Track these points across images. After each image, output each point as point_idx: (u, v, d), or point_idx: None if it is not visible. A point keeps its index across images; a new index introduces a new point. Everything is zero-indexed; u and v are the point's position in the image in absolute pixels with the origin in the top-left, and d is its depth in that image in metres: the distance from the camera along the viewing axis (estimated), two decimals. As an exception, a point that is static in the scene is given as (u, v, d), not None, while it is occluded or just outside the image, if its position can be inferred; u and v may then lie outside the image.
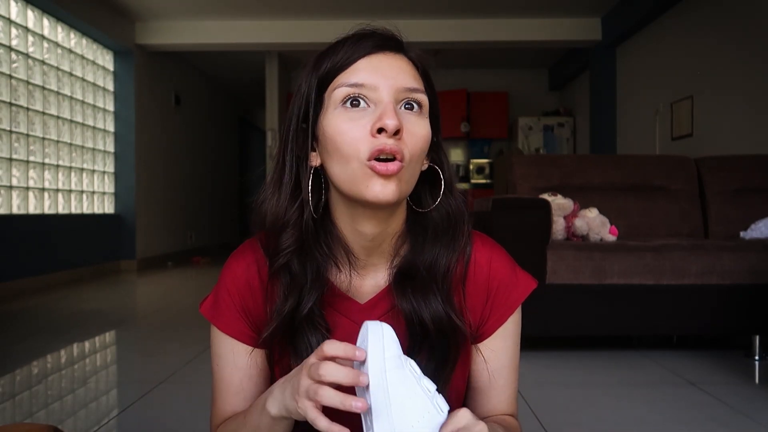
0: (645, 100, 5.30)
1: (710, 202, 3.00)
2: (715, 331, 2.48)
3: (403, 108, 0.69)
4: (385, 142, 0.66)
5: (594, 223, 2.58)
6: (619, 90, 5.91)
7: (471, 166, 7.57)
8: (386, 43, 0.71)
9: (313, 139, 0.72)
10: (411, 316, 0.74)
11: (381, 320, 0.76)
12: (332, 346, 0.61)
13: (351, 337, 0.75)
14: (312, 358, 0.63)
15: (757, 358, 2.40)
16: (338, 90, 0.69)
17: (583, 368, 2.32)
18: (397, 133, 0.66)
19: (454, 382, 0.77)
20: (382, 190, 0.66)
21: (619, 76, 5.91)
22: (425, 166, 0.75)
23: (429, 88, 0.74)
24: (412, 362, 0.63)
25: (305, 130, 0.73)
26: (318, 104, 0.71)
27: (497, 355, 0.80)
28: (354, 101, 0.68)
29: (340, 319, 0.76)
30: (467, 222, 0.78)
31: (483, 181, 7.47)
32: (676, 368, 2.28)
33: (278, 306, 0.74)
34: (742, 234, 2.78)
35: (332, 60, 0.70)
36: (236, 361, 0.78)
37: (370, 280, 0.78)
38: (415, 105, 0.70)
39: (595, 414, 1.80)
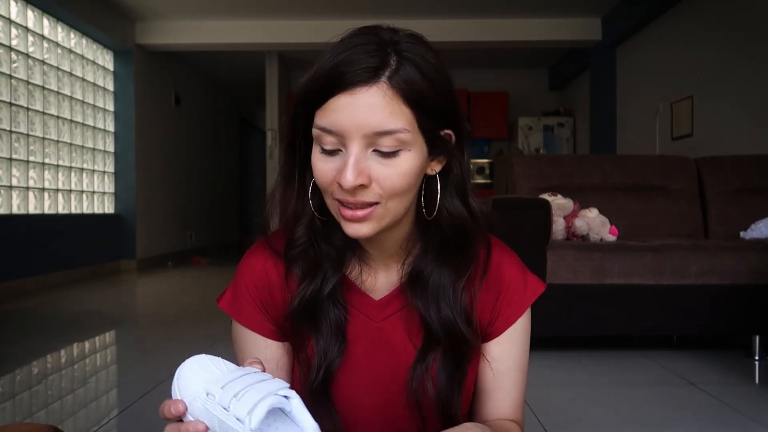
0: (645, 100, 5.30)
1: (710, 202, 3.00)
2: (715, 331, 2.48)
3: (378, 151, 0.65)
4: (346, 197, 0.66)
5: (594, 223, 2.58)
6: (619, 90, 5.91)
7: (471, 166, 7.56)
8: (363, 76, 0.64)
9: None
10: (425, 317, 0.75)
11: (394, 318, 0.77)
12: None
13: (362, 331, 0.77)
14: None
15: (757, 358, 2.40)
16: (315, 130, 0.67)
17: (583, 368, 2.32)
18: (363, 185, 0.65)
19: (465, 383, 0.78)
20: (355, 232, 0.68)
21: (619, 76, 5.91)
22: (434, 173, 0.73)
23: (422, 109, 0.66)
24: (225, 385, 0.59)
25: (302, 140, 0.73)
26: (308, 126, 0.70)
27: (503, 357, 0.80)
28: (328, 145, 0.67)
29: (354, 313, 0.77)
30: (482, 226, 0.77)
31: (483, 181, 7.47)
32: (676, 368, 2.28)
33: (299, 288, 0.75)
34: (742, 234, 2.78)
35: (312, 89, 0.67)
36: (257, 354, 0.79)
37: (383, 278, 0.78)
38: (387, 148, 0.65)
39: (595, 414, 1.80)
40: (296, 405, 0.60)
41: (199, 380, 0.60)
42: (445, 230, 0.75)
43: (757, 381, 2.15)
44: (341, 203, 0.67)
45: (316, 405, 0.74)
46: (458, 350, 0.75)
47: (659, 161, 3.12)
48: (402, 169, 0.66)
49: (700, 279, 2.40)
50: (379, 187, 0.66)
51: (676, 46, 4.77)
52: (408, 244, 0.77)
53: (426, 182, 0.73)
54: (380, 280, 0.78)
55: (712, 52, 4.26)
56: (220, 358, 0.63)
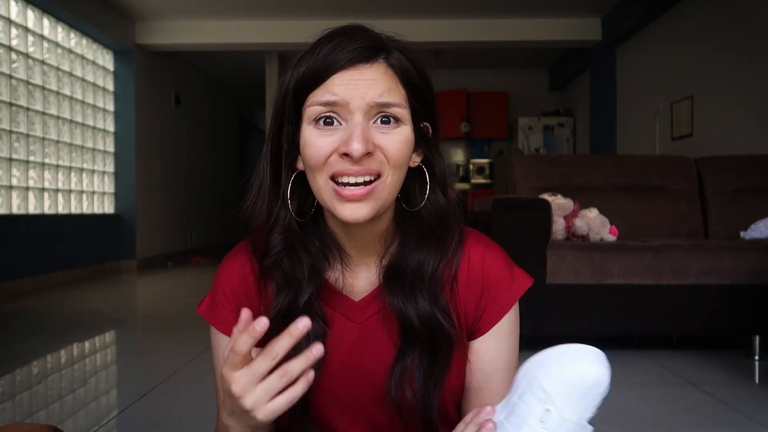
0: (645, 100, 5.30)
1: (710, 202, 3.00)
2: (715, 331, 2.48)
3: (379, 122, 0.68)
4: (349, 167, 0.66)
5: (594, 223, 2.58)
6: (619, 90, 5.91)
7: (471, 166, 7.57)
8: (364, 54, 0.68)
9: (297, 145, 0.72)
10: (401, 315, 0.74)
11: (375, 318, 0.76)
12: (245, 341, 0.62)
13: (344, 333, 0.76)
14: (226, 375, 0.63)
15: (757, 358, 2.40)
16: (311, 108, 0.68)
17: (583, 368, 2.32)
18: (369, 153, 0.66)
19: (451, 379, 0.77)
20: (353, 213, 0.68)
21: (619, 76, 5.91)
22: (415, 164, 0.75)
23: (414, 92, 0.71)
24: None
25: (287, 133, 0.73)
26: (297, 113, 0.71)
27: (491, 356, 0.79)
28: (327, 120, 0.68)
29: (333, 315, 0.77)
30: (459, 220, 0.77)
31: (483, 181, 7.46)
32: (676, 368, 2.27)
33: (274, 301, 0.74)
34: (742, 234, 2.78)
35: (307, 73, 0.69)
36: None
37: (363, 278, 0.78)
38: (391, 119, 0.68)
39: (595, 414, 1.79)
40: None
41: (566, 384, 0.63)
42: (425, 222, 0.75)
43: (757, 381, 2.15)
44: (339, 184, 0.67)
45: (294, 411, 0.74)
46: (438, 346, 0.74)
47: (659, 161, 3.12)
48: (402, 137, 0.69)
49: (700, 279, 2.40)
50: (382, 155, 0.68)
51: (676, 46, 4.77)
52: (387, 239, 0.77)
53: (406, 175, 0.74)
54: (360, 281, 0.78)
55: (712, 52, 4.26)
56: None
